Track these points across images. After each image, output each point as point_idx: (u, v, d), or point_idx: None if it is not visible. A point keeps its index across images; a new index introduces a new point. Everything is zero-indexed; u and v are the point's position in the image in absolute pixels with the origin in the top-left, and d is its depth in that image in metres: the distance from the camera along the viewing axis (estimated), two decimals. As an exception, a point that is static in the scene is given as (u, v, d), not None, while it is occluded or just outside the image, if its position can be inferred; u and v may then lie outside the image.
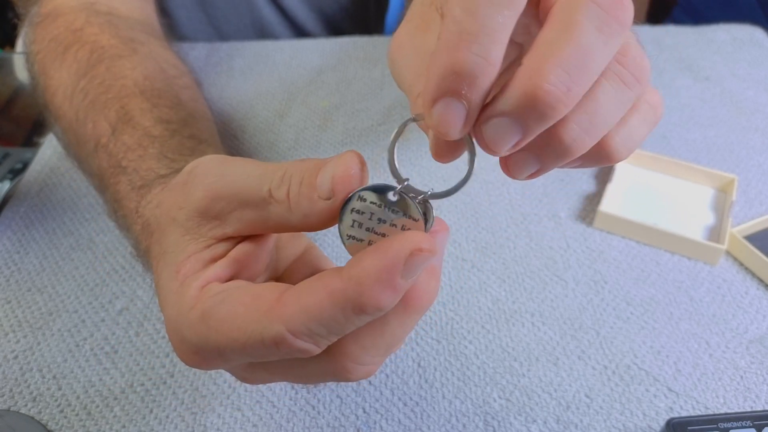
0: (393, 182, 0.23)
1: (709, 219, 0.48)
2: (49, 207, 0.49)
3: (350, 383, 0.38)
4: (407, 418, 0.37)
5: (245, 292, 0.23)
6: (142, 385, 0.38)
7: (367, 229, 0.23)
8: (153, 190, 0.33)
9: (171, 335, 0.25)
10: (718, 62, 0.64)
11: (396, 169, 0.23)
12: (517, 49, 0.27)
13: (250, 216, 0.24)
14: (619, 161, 0.24)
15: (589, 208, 0.49)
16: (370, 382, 0.38)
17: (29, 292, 0.43)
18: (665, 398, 0.37)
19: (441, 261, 0.24)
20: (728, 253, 0.46)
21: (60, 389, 0.38)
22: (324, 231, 0.48)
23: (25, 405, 0.37)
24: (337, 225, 0.23)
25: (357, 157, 0.23)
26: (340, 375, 0.24)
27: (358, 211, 0.23)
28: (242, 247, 0.26)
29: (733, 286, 0.44)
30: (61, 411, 0.37)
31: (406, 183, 0.23)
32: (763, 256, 0.43)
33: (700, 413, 0.37)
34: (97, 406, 0.37)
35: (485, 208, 0.49)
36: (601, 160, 0.24)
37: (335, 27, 0.76)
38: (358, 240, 0.23)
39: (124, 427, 0.36)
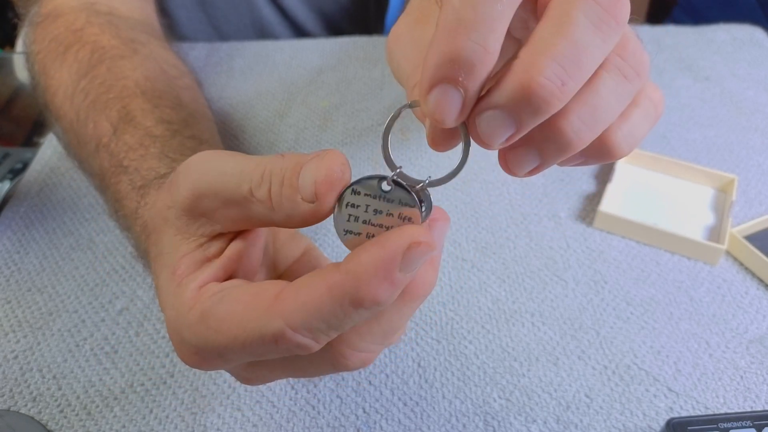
0: (386, 172, 0.23)
1: (709, 219, 0.48)
2: (49, 207, 0.49)
3: (350, 384, 0.38)
4: (407, 418, 0.37)
5: (244, 290, 0.23)
6: (142, 385, 0.38)
7: (364, 222, 0.23)
8: (151, 190, 0.33)
9: (172, 336, 0.25)
10: (718, 62, 0.64)
11: (389, 156, 0.23)
12: (516, 45, 0.27)
13: (235, 213, 0.24)
14: (620, 157, 0.24)
15: (589, 208, 0.49)
16: (370, 382, 0.38)
17: (29, 292, 0.43)
18: (665, 398, 0.37)
19: (441, 251, 0.24)
20: (728, 253, 0.46)
21: (60, 389, 0.38)
22: (323, 231, 0.48)
23: (25, 405, 0.37)
24: (333, 222, 0.23)
25: (338, 158, 0.22)
26: (338, 362, 0.24)
27: (353, 205, 0.22)
28: (235, 246, 0.26)
29: (733, 286, 0.44)
30: (61, 411, 0.37)
31: (399, 170, 0.22)
32: (763, 256, 0.43)
33: (700, 413, 0.37)
34: (97, 406, 0.37)
35: (485, 208, 0.49)
36: (602, 156, 0.24)
37: (335, 27, 0.76)
38: (355, 234, 0.23)
39: (124, 427, 0.36)
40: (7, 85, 0.68)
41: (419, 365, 0.39)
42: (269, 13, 0.72)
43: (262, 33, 0.73)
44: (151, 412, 0.37)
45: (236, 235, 0.26)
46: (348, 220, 0.23)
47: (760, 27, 0.69)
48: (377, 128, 0.57)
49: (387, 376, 0.39)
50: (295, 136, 0.56)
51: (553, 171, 0.52)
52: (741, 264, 0.45)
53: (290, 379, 0.38)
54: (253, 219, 0.24)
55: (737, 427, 0.34)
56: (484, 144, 0.22)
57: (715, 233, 0.47)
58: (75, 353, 0.40)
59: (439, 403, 0.37)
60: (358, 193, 0.22)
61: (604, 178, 0.51)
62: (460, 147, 0.23)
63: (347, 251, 0.23)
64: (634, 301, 0.43)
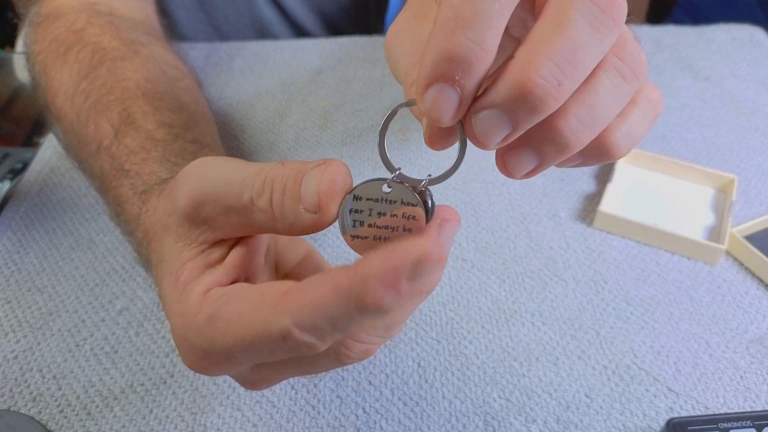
0: (386, 175, 0.23)
1: (709, 219, 0.48)
2: (49, 207, 0.49)
3: (350, 384, 0.38)
4: (407, 418, 0.37)
5: (251, 291, 0.23)
6: (142, 385, 0.38)
7: (369, 225, 0.23)
8: (153, 197, 0.33)
9: (178, 343, 0.25)
10: (718, 62, 0.64)
11: (387, 157, 0.23)
12: (514, 44, 0.27)
13: (236, 221, 0.24)
14: (619, 157, 0.24)
15: (589, 208, 0.49)
16: (370, 382, 0.38)
17: (29, 292, 0.43)
18: (665, 398, 0.37)
19: (448, 250, 0.24)
20: (728, 253, 0.46)
21: (60, 389, 0.38)
22: (324, 234, 0.48)
23: (25, 405, 0.37)
24: (338, 227, 0.23)
25: (341, 169, 0.22)
26: (340, 354, 0.24)
27: (356, 211, 0.23)
28: (238, 251, 0.26)
29: (733, 286, 0.44)
30: (61, 411, 0.37)
31: (398, 172, 0.22)
32: (763, 256, 0.43)
33: (700, 413, 0.37)
34: (97, 406, 0.37)
35: (485, 208, 0.49)
36: (601, 157, 0.24)
37: (335, 27, 0.76)
38: (362, 238, 0.23)
39: (124, 427, 0.36)
40: (7, 85, 0.68)
41: (419, 365, 0.39)
42: (269, 13, 0.72)
43: (262, 33, 0.73)
44: (151, 412, 0.37)
45: (238, 240, 0.26)
46: (354, 226, 0.23)
47: (760, 27, 0.69)
48: (377, 128, 0.57)
49: (387, 376, 0.39)
50: (295, 136, 0.56)
51: (553, 171, 0.52)
52: (741, 264, 0.45)
53: (290, 378, 0.38)
54: (255, 226, 0.24)
55: (737, 427, 0.34)
56: (480, 144, 0.22)
57: (715, 233, 0.47)
58: (75, 353, 0.40)
59: (439, 403, 0.37)
60: (360, 199, 0.22)
61: (604, 178, 0.51)
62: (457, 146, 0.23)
63: (348, 255, 0.23)
64: (634, 301, 0.43)
